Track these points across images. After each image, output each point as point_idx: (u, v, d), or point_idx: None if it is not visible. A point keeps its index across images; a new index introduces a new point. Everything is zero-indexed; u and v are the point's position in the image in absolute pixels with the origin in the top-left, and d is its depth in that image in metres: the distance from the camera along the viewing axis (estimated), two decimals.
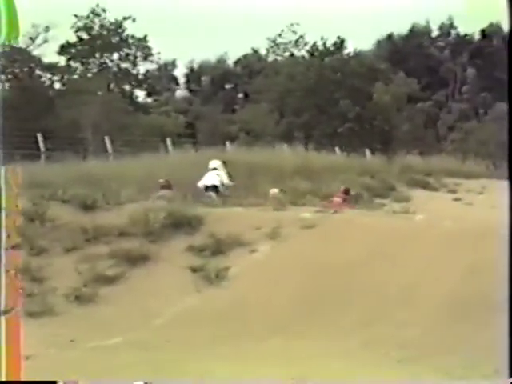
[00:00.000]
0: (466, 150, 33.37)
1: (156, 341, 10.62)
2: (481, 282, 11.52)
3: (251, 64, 49.88)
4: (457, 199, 21.90)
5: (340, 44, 41.11)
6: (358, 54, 42.79)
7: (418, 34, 47.45)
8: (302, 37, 42.23)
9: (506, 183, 25.13)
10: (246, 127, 40.79)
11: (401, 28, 47.17)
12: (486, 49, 45.14)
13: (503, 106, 42.50)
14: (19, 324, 8.22)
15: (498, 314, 10.68)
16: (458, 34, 47.03)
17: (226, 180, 18.13)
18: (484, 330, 10.44)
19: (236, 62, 54.27)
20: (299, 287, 12.01)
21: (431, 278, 11.87)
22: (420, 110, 41.95)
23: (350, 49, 42.75)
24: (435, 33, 48.43)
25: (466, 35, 46.70)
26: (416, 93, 42.00)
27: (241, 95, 52.58)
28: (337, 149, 30.41)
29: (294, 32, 42.10)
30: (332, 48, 41.26)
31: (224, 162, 18.69)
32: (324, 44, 41.47)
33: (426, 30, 48.05)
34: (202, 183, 17.96)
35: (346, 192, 19.35)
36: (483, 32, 45.87)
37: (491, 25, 45.48)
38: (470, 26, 46.16)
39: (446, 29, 47.70)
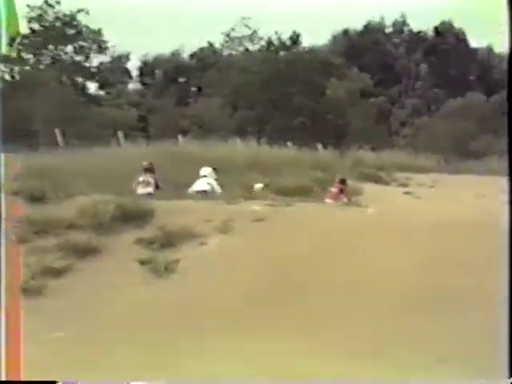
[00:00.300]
0: (418, 144, 33.64)
1: (102, 335, 10.49)
2: (432, 274, 11.59)
3: (206, 58, 49.72)
4: (408, 193, 22.04)
5: (295, 39, 41.14)
6: (312, 49, 42.86)
7: (372, 30, 47.72)
8: (255, 31, 42.17)
9: (456, 177, 25.44)
10: (198, 121, 40.63)
11: (356, 24, 47.34)
12: (439, 46, 45.52)
13: (455, 102, 42.93)
14: (19, 324, 8.20)
15: (451, 306, 10.84)
16: (411, 31, 47.35)
17: (216, 187, 18.10)
18: (438, 322, 10.50)
19: (192, 56, 54.02)
20: (250, 280, 11.94)
21: (384, 271, 11.89)
22: (373, 105, 42.17)
23: (305, 44, 42.82)
24: (389, 29, 48.71)
25: (419, 32, 47.03)
26: (369, 88, 42.20)
27: (194, 89, 52.36)
28: (289, 143, 30.40)
29: (248, 26, 42.02)
30: (287, 43, 41.26)
31: (214, 169, 18.68)
32: (279, 38, 41.45)
33: (381, 27, 48.32)
34: (191, 190, 17.89)
35: (342, 182, 19.47)
36: (436, 29, 46.24)
37: (443, 23, 45.88)
38: (422, 23, 46.56)
39: (399, 26, 48.01)
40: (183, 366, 9.21)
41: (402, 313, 10.82)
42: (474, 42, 46.64)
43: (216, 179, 18.30)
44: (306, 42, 43.35)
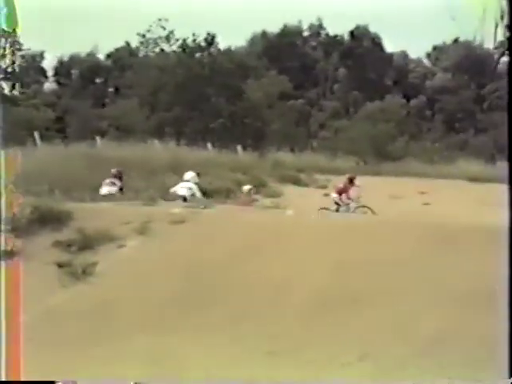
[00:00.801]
0: (337, 146, 33.95)
1: None
2: (349, 276, 11.68)
3: (123, 58, 49.18)
4: (327, 195, 22.18)
5: (210, 40, 41.07)
6: (228, 51, 42.86)
7: (290, 33, 47.93)
8: (172, 32, 41.94)
9: (373, 179, 25.66)
10: (116, 122, 40.20)
11: (274, 26, 47.50)
12: (355, 50, 46.05)
13: (373, 105, 43.54)
14: (19, 324, 8.28)
15: (366, 307, 10.97)
16: (327, 35, 47.79)
17: (197, 193, 17.94)
18: (351, 322, 10.59)
19: (108, 56, 53.38)
20: (168, 283, 11.82)
21: (302, 272, 11.93)
22: (292, 108, 42.39)
23: (223, 45, 42.78)
24: (306, 32, 49.08)
25: (336, 36, 47.50)
26: (288, 90, 42.41)
27: (111, 90, 51.75)
28: (209, 145, 30.35)
29: (163, 27, 41.80)
30: (203, 44, 41.19)
31: (198, 174, 18.65)
32: (194, 40, 41.37)
33: (298, 30, 48.61)
34: (173, 190, 17.83)
35: (351, 180, 19.54)
36: (352, 33, 46.80)
37: (358, 27, 46.47)
38: (339, 27, 47.04)
39: (316, 29, 48.40)
40: (87, 369, 9.06)
41: (319, 313, 10.89)
42: (389, 47, 47.32)
43: (197, 183, 18.22)
44: (224, 43, 43.27)
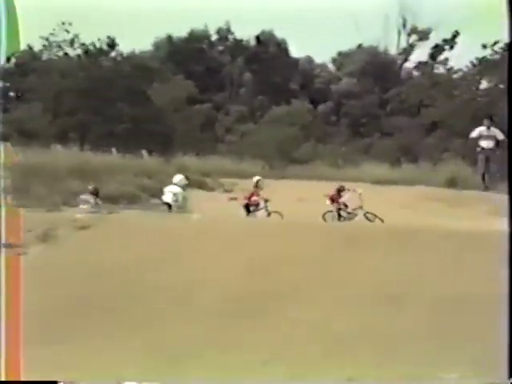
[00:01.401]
0: (243, 150, 33.96)
1: None
2: (260, 278, 11.67)
3: (26, 62, 48.11)
4: (233, 198, 22.15)
5: (111, 44, 40.63)
6: (131, 55, 42.47)
7: (197, 37, 47.78)
8: (77, 36, 41.32)
9: (280, 182, 25.73)
10: (19, 127, 39.29)
11: (180, 30, 47.21)
12: (261, 54, 46.23)
13: (279, 110, 43.81)
14: (19, 324, 8.22)
15: (277, 308, 10.96)
16: (235, 39, 47.86)
17: (180, 199, 18.08)
18: (262, 324, 10.57)
19: (8, 59, 52.14)
20: (73, 290, 11.55)
21: (209, 275, 11.87)
22: (198, 112, 42.25)
23: (128, 49, 42.36)
24: (214, 37, 49.03)
25: (241, 40, 47.60)
26: (194, 95, 42.26)
27: (13, 94, 50.59)
28: (113, 150, 29.94)
29: (67, 31, 41.14)
30: (105, 48, 40.73)
31: (186, 177, 18.93)
32: (95, 44, 40.90)
33: (206, 34, 48.49)
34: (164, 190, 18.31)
35: (339, 190, 19.37)
36: (257, 38, 46.99)
37: (264, 32, 46.70)
38: (246, 31, 47.12)
39: (224, 33, 48.38)
40: None
41: (229, 316, 10.84)
42: (295, 52, 47.66)
43: (185, 186, 18.50)
44: (129, 47, 42.82)
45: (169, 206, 17.95)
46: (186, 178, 18.91)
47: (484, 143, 21.36)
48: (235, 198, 21.01)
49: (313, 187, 22.84)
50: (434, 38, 45.59)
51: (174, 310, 11.03)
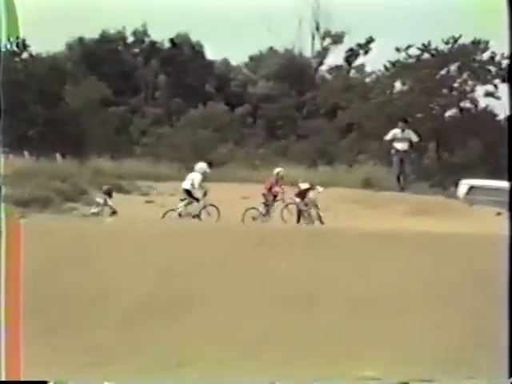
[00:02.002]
0: (159, 153, 33.70)
1: None
2: (175, 282, 11.56)
3: None
4: (149, 201, 21.95)
5: (23, 45, 39.82)
6: (41, 55, 41.70)
7: (110, 39, 47.19)
8: None
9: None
10: None
11: (93, 32, 46.48)
12: (176, 57, 45.95)
13: (195, 112, 43.66)
14: (19, 324, 8.21)
15: (191, 312, 10.86)
16: (150, 41, 47.48)
17: (196, 183, 18.56)
18: (175, 328, 10.45)
19: None
20: None
21: (124, 279, 11.68)
22: (113, 115, 41.73)
23: (39, 50, 41.56)
24: (130, 39, 48.53)
25: (156, 43, 47.24)
26: (109, 97, 41.74)
27: None
28: (26, 153, 29.34)
29: None
30: (16, 49, 39.92)
31: (209, 163, 19.66)
32: (6, 46, 40.01)
33: (120, 36, 47.92)
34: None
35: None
36: (172, 40, 46.71)
37: (179, 35, 46.46)
38: (161, 33, 46.76)
39: (140, 35, 47.93)
40: None
41: (142, 320, 10.72)
42: (211, 55, 47.51)
43: (204, 173, 18.91)
44: (41, 48, 41.97)
45: (188, 192, 18.56)
46: (209, 165, 19.31)
47: (398, 145, 21.66)
48: (152, 201, 20.84)
49: (230, 189, 22.78)
50: (349, 42, 46.05)
51: (86, 314, 10.82)
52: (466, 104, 41.65)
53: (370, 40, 44.72)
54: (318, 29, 46.88)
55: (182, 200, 18.82)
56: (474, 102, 41.52)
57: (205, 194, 18.77)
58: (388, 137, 22.01)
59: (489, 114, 41.94)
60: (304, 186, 19.58)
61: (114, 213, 17.70)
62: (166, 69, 45.98)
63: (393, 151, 21.88)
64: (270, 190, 19.81)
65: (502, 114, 42.80)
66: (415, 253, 11.94)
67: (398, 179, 21.74)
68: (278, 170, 20.33)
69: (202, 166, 19.11)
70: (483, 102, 41.62)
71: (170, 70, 45.84)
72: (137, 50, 47.88)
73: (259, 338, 10.40)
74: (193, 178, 18.80)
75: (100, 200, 18.10)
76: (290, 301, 11.06)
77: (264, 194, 19.62)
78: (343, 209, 19.80)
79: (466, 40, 40.36)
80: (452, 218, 17.76)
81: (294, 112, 45.06)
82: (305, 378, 9.69)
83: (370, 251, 12.00)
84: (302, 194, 19.39)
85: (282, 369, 9.81)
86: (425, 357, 9.95)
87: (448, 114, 42.00)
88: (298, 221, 18.84)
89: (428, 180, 29.78)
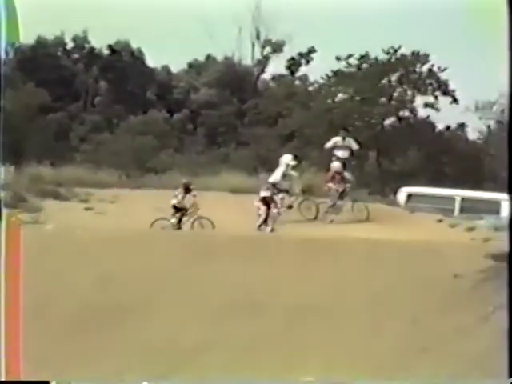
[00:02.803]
0: (99, 160, 33.32)
1: None
2: (113, 291, 11.44)
3: None
4: (89, 208, 21.63)
5: None
6: None
7: (49, 45, 46.64)
8: None
9: (137, 192, 25.25)
10: None
11: (29, 37, 45.81)
12: (116, 63, 45.64)
13: (135, 119, 43.41)
14: (19, 324, 8.23)
15: (129, 320, 10.74)
16: (90, 48, 47.08)
17: (278, 176, 18.41)
18: (113, 336, 10.34)
19: None
20: None
21: (62, 288, 11.51)
22: (52, 121, 41.22)
23: None
24: (70, 45, 48.04)
25: (95, 49, 46.87)
26: (48, 103, 41.22)
27: None
28: None
29: None
30: None
31: (295, 156, 19.23)
32: None
33: (59, 41, 47.41)
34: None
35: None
36: (111, 47, 46.41)
37: (118, 42, 46.20)
38: (100, 40, 46.35)
39: (80, 41, 47.48)
40: None
41: (80, 329, 10.56)
42: (151, 62, 47.25)
43: (294, 167, 18.72)
44: None
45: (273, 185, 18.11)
46: (295, 157, 19.19)
47: (339, 153, 21.75)
48: (91, 208, 20.52)
49: (169, 197, 22.63)
50: (289, 51, 46.20)
51: (24, 324, 10.60)
52: (406, 113, 42.17)
53: (312, 49, 44.95)
54: (258, 37, 47.01)
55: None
56: (414, 111, 42.05)
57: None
58: (329, 144, 22.10)
59: (428, 124, 42.52)
60: None
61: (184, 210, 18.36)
62: (106, 75, 45.62)
63: (333, 159, 21.98)
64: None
65: (441, 125, 43.61)
66: (356, 259, 11.99)
67: None
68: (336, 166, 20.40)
69: (289, 157, 19.04)
70: (423, 113, 42.22)
71: (110, 76, 45.48)
72: (76, 56, 47.39)
73: (198, 346, 10.35)
74: (277, 171, 18.86)
75: (179, 194, 18.80)
76: (232, 308, 11.01)
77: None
78: (282, 216, 19.80)
79: (406, 51, 40.91)
80: (393, 224, 17.88)
81: (235, 119, 45.06)
82: (248, 382, 9.64)
83: (311, 258, 12.02)
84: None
85: (222, 376, 9.76)
86: (365, 361, 9.98)
87: (387, 122, 42.45)
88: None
89: (368, 187, 29.97)
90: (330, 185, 20.29)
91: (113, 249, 12.80)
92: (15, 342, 8.31)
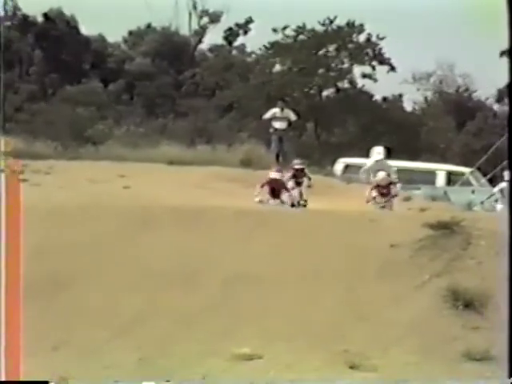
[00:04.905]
0: (35, 130, 32.76)
1: None
2: (48, 260, 11.31)
3: None
4: (24, 180, 21.23)
5: None
6: None
7: None
8: None
9: (73, 163, 24.96)
10: None
11: None
12: (50, 31, 44.84)
13: (72, 89, 42.80)
14: (19, 324, 8.12)
15: (65, 292, 10.63)
16: (23, 15, 46.14)
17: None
18: (50, 309, 10.26)
19: None
20: None
21: None
22: None
23: None
24: (1, 12, 47.02)
25: (28, 17, 45.96)
26: None
27: None
28: None
29: None
30: None
31: (387, 149, 18.42)
32: None
33: None
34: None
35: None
36: (46, 15, 45.58)
37: (51, 9, 45.41)
38: (33, 8, 45.47)
39: (10, 9, 46.51)
40: None
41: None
42: (86, 31, 46.52)
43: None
44: None
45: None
46: (387, 149, 18.61)
47: (277, 124, 21.81)
48: (26, 180, 20.14)
49: (105, 168, 22.38)
50: (226, 22, 46.00)
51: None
52: (344, 84, 42.37)
53: (249, 20, 44.79)
54: (195, 7, 46.67)
55: None
56: (352, 82, 42.28)
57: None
58: (267, 116, 22.12)
59: (365, 95, 42.79)
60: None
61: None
62: (41, 44, 44.82)
63: (271, 130, 21.99)
64: None
65: (378, 94, 43.94)
66: (292, 229, 12.00)
67: (277, 158, 21.86)
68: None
69: (379, 150, 18.50)
70: (361, 83, 42.47)
71: (44, 45, 44.70)
72: (9, 24, 46.42)
73: (136, 316, 10.29)
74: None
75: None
76: (169, 278, 10.95)
77: None
78: (220, 187, 19.73)
79: (341, 22, 41.04)
80: (330, 195, 17.94)
81: (173, 90, 44.71)
82: (182, 355, 9.63)
83: (247, 229, 12.00)
84: None
85: (156, 346, 9.74)
86: (301, 331, 10.03)
87: (325, 93, 42.62)
88: None
89: (307, 158, 30.10)
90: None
91: (48, 220, 12.60)
92: (15, 342, 8.22)
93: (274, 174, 15.42)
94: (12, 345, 8.21)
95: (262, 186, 15.15)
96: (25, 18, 45.71)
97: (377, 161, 17.94)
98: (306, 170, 16.48)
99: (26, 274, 11.01)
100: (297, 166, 16.16)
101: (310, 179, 16.12)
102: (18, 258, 8.63)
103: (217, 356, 9.56)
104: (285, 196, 15.24)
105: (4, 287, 8.39)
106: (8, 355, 8.15)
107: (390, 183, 15.42)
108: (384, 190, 15.31)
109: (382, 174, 15.51)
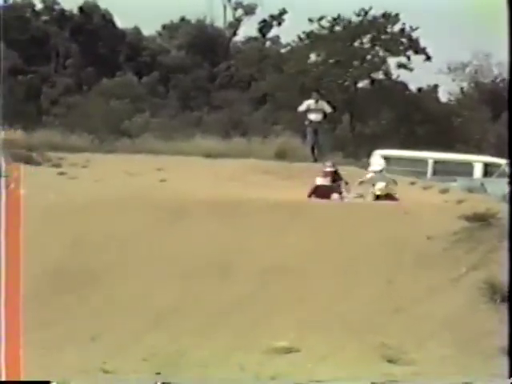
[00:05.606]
0: (71, 123, 33.05)
1: None
2: (87, 253, 11.40)
3: None
4: (62, 173, 21.44)
5: None
6: None
7: (19, 6, 46.04)
8: None
9: (109, 156, 25.14)
10: None
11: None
12: (86, 25, 45.12)
13: (108, 82, 43.00)
14: (19, 324, 8.14)
15: (103, 284, 10.75)
16: (61, 9, 46.48)
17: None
18: (88, 300, 10.38)
19: None
20: None
21: (34, 251, 11.43)
22: (21, 83, 40.77)
23: None
24: (39, 6, 47.43)
25: (65, 11, 46.28)
26: (18, 65, 40.77)
27: None
28: None
29: None
30: None
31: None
32: None
33: (28, 2, 46.79)
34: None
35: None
36: (81, 9, 45.84)
37: (87, 2, 45.62)
38: (69, 2, 45.81)
39: (49, 3, 46.85)
40: None
41: (53, 292, 10.64)
42: (121, 23, 46.75)
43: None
44: None
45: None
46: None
47: (312, 116, 21.70)
48: (64, 173, 20.36)
49: (143, 161, 22.48)
50: (261, 13, 45.99)
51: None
52: (379, 75, 42.17)
53: (283, 11, 44.74)
54: (229, 0, 46.75)
55: None
56: (387, 73, 42.07)
57: None
58: (302, 108, 22.04)
59: (400, 85, 42.57)
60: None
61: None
62: (77, 38, 45.11)
63: (307, 122, 21.94)
64: None
65: (413, 85, 43.71)
66: (330, 221, 12.01)
67: (313, 150, 21.81)
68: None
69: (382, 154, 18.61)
70: (396, 74, 42.26)
71: (80, 38, 44.99)
72: (46, 18, 46.79)
73: (171, 309, 10.36)
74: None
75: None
76: (205, 271, 11.01)
77: None
78: (256, 180, 19.73)
79: (376, 12, 40.85)
80: (367, 187, 17.88)
81: (207, 83, 44.79)
82: (216, 347, 9.67)
83: (286, 220, 12.02)
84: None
85: (193, 339, 9.78)
86: (338, 323, 10.04)
87: (360, 85, 42.45)
88: None
89: (342, 150, 30.02)
90: None
91: (86, 213, 12.72)
92: (15, 342, 8.29)
93: (320, 180, 15.00)
94: (12, 345, 8.22)
95: (310, 196, 14.55)
96: (62, 12, 46.04)
97: (375, 172, 17.58)
98: (339, 172, 16.06)
99: (63, 266, 11.21)
100: (328, 169, 15.56)
101: (347, 184, 15.67)
102: (17, 258, 8.66)
103: (252, 349, 9.58)
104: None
105: (4, 287, 8.37)
106: (8, 355, 8.11)
107: (387, 194, 14.95)
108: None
109: (381, 185, 15.16)
